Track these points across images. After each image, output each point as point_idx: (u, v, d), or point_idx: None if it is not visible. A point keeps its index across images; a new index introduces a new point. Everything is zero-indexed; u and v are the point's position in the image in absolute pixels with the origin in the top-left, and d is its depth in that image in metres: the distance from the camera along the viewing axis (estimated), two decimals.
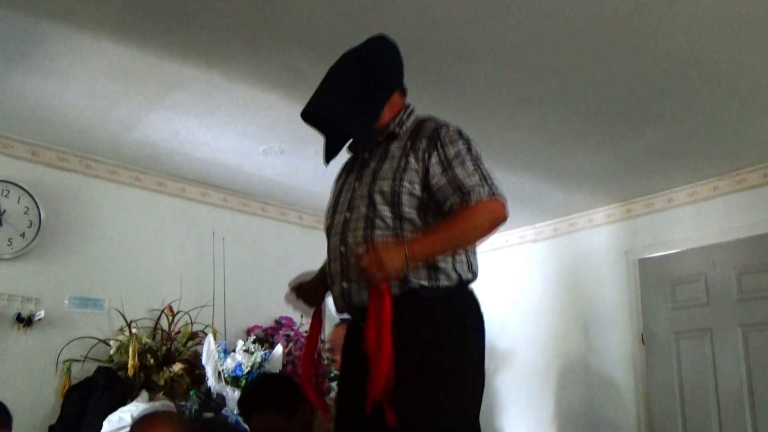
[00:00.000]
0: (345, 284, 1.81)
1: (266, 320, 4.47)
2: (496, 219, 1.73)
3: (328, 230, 1.91)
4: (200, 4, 2.56)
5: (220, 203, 4.58)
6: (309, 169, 4.19)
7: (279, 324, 4.47)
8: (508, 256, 5.19)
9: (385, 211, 1.75)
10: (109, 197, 4.09)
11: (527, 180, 4.25)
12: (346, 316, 1.94)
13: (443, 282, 1.74)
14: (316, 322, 2.08)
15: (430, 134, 1.80)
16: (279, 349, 3.94)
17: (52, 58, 2.95)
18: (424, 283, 1.72)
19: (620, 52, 2.84)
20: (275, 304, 4.60)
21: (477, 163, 1.77)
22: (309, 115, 1.90)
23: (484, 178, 1.74)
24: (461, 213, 1.71)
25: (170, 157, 4.05)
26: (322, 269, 2.01)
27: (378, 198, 1.76)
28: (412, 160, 1.78)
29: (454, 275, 1.76)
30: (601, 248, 4.76)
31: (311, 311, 2.05)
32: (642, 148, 3.78)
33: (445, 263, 1.75)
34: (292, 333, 4.37)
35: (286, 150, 3.91)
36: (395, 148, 1.84)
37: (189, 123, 3.59)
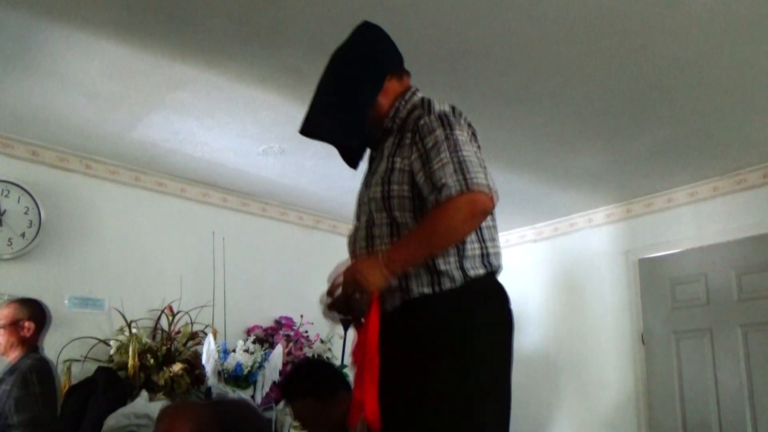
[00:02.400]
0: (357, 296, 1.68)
1: (266, 320, 4.47)
2: (473, 212, 1.52)
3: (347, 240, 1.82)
4: (200, 4, 2.56)
5: (220, 203, 4.58)
6: (309, 169, 4.20)
7: (279, 324, 4.47)
8: (508, 256, 5.16)
9: (382, 218, 1.66)
10: (109, 197, 4.09)
11: (527, 180, 4.25)
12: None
13: (447, 285, 1.59)
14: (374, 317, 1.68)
15: (413, 126, 1.65)
16: (279, 349, 3.94)
17: (52, 58, 2.95)
18: (427, 290, 1.58)
19: (620, 52, 2.84)
20: (275, 304, 4.63)
21: (454, 150, 1.56)
22: (305, 133, 1.81)
23: (459, 168, 1.53)
24: (432, 213, 1.55)
25: (170, 157, 4.05)
26: None
27: (373, 205, 1.67)
28: (397, 159, 1.65)
29: (458, 275, 1.59)
30: (601, 248, 4.76)
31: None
32: (642, 148, 3.78)
33: (447, 264, 1.59)
34: (292, 333, 4.37)
35: (286, 150, 3.91)
36: (387, 146, 1.73)
37: (189, 123, 3.59)
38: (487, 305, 1.64)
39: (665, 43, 2.76)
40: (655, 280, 4.43)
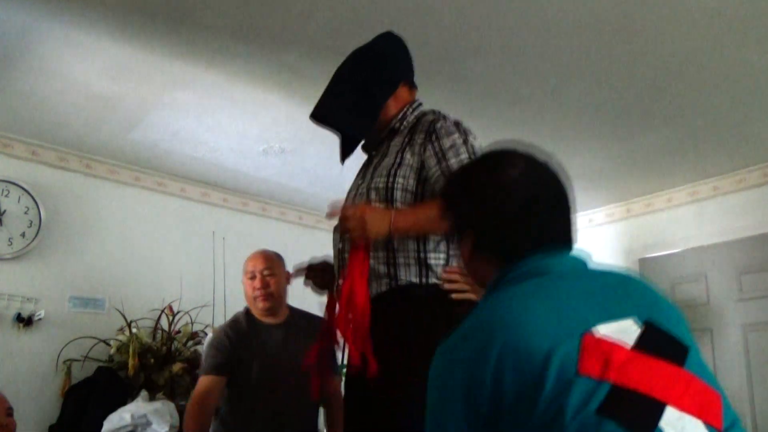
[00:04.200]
0: (341, 281, 1.79)
1: None
2: None
3: (334, 229, 1.93)
4: (200, 4, 2.56)
5: (220, 203, 4.58)
6: (309, 169, 4.20)
7: None
8: None
9: (380, 206, 1.77)
10: (109, 197, 4.09)
11: None
12: None
13: (432, 279, 1.73)
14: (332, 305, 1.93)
15: (427, 127, 1.80)
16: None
17: (52, 58, 2.95)
18: (414, 280, 1.72)
19: (620, 52, 2.84)
20: None
21: (473, 153, 1.75)
22: (315, 118, 1.92)
23: None
24: None
25: (170, 157, 4.05)
26: None
27: (373, 194, 1.78)
28: (408, 155, 1.78)
29: (441, 273, 1.75)
30: (601, 248, 4.75)
31: (323, 293, 2.00)
32: (642, 148, 3.78)
33: (437, 260, 1.74)
34: None
35: (286, 150, 3.91)
36: (394, 143, 1.85)
37: (189, 123, 3.59)
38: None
39: (665, 43, 2.76)
40: (655, 280, 4.37)
